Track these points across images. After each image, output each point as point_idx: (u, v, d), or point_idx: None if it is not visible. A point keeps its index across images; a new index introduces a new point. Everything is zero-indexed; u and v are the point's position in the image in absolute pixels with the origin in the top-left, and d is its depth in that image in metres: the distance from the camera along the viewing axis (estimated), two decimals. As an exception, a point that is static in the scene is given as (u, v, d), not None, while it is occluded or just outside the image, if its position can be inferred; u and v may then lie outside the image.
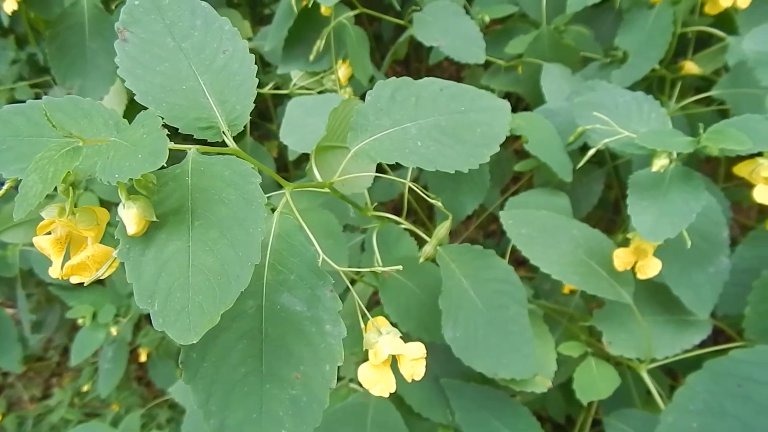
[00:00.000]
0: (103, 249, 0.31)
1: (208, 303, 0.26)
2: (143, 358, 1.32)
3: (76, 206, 0.30)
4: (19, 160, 0.28)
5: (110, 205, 1.05)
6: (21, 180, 0.27)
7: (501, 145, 0.45)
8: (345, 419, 0.66)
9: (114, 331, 1.04)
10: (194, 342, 0.25)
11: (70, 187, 0.29)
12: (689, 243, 0.53)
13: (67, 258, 0.31)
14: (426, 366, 0.42)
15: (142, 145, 0.25)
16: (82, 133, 0.27)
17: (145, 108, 0.32)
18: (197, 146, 0.31)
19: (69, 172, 0.25)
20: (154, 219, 0.27)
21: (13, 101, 1.20)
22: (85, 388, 1.51)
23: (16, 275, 1.11)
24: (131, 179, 0.25)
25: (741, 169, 0.54)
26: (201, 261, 0.27)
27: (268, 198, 0.38)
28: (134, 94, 0.33)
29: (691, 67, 0.90)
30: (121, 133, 0.27)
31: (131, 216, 0.26)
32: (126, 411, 1.53)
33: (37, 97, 1.24)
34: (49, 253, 0.31)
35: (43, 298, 1.62)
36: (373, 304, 0.78)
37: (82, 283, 0.31)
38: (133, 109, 0.97)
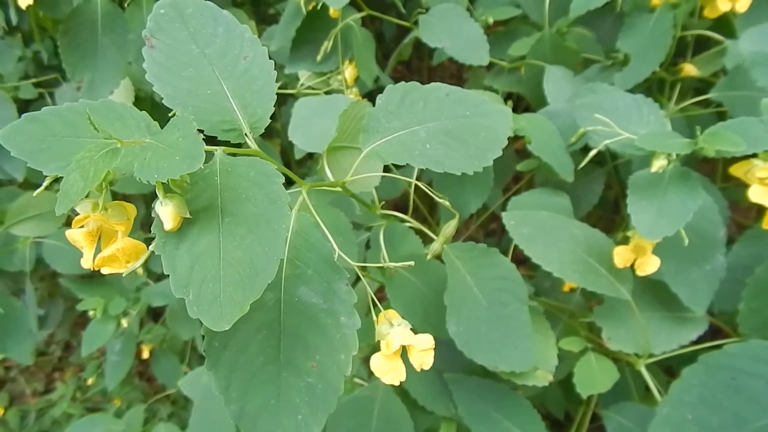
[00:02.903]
0: (132, 242, 0.33)
1: (238, 293, 0.28)
2: (146, 354, 1.34)
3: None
4: (56, 159, 0.30)
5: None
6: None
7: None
8: (352, 411, 0.68)
9: (124, 323, 1.06)
10: (227, 328, 0.27)
11: (104, 185, 0.31)
12: (686, 241, 0.55)
13: (97, 251, 0.33)
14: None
15: (178, 148, 0.27)
16: (117, 134, 0.29)
17: (170, 110, 0.34)
18: (223, 147, 0.33)
19: (108, 171, 0.27)
20: (188, 216, 0.29)
21: (18, 99, 1.21)
22: (90, 381, 1.53)
23: (23, 269, 1.12)
24: (168, 179, 0.27)
25: (736, 170, 0.56)
26: (231, 255, 0.29)
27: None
28: (162, 101, 0.35)
29: (690, 69, 0.92)
30: (156, 136, 0.29)
31: (168, 213, 0.29)
32: (127, 406, 1.54)
33: (41, 95, 1.25)
34: (82, 246, 0.33)
35: (46, 293, 1.64)
36: (378, 300, 0.80)
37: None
38: (138, 105, 0.99)
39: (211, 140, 0.35)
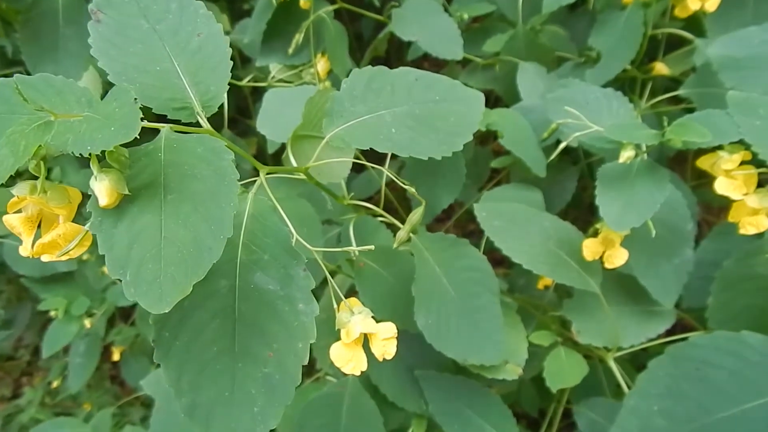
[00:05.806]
0: (74, 227, 0.31)
1: (180, 274, 0.26)
2: (116, 356, 1.30)
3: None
4: (-11, 136, 0.28)
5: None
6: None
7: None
8: (320, 409, 0.66)
9: (88, 323, 1.02)
10: (166, 311, 0.25)
11: (41, 164, 0.29)
12: (654, 232, 0.56)
13: (38, 237, 0.31)
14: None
15: (114, 118, 0.25)
16: (54, 110, 0.27)
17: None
18: (171, 125, 0.32)
19: (41, 145, 0.25)
20: (126, 192, 0.28)
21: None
22: (55, 384, 1.48)
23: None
24: (104, 152, 0.26)
25: (703, 162, 0.56)
26: (173, 233, 0.27)
27: (246, 185, 0.39)
28: (108, 77, 0.34)
29: (661, 68, 0.93)
30: (92, 108, 0.27)
31: (103, 188, 0.27)
32: (98, 410, 1.50)
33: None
34: (20, 232, 0.31)
35: (14, 296, 1.59)
36: (351, 296, 0.78)
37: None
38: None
39: (161, 120, 0.34)
